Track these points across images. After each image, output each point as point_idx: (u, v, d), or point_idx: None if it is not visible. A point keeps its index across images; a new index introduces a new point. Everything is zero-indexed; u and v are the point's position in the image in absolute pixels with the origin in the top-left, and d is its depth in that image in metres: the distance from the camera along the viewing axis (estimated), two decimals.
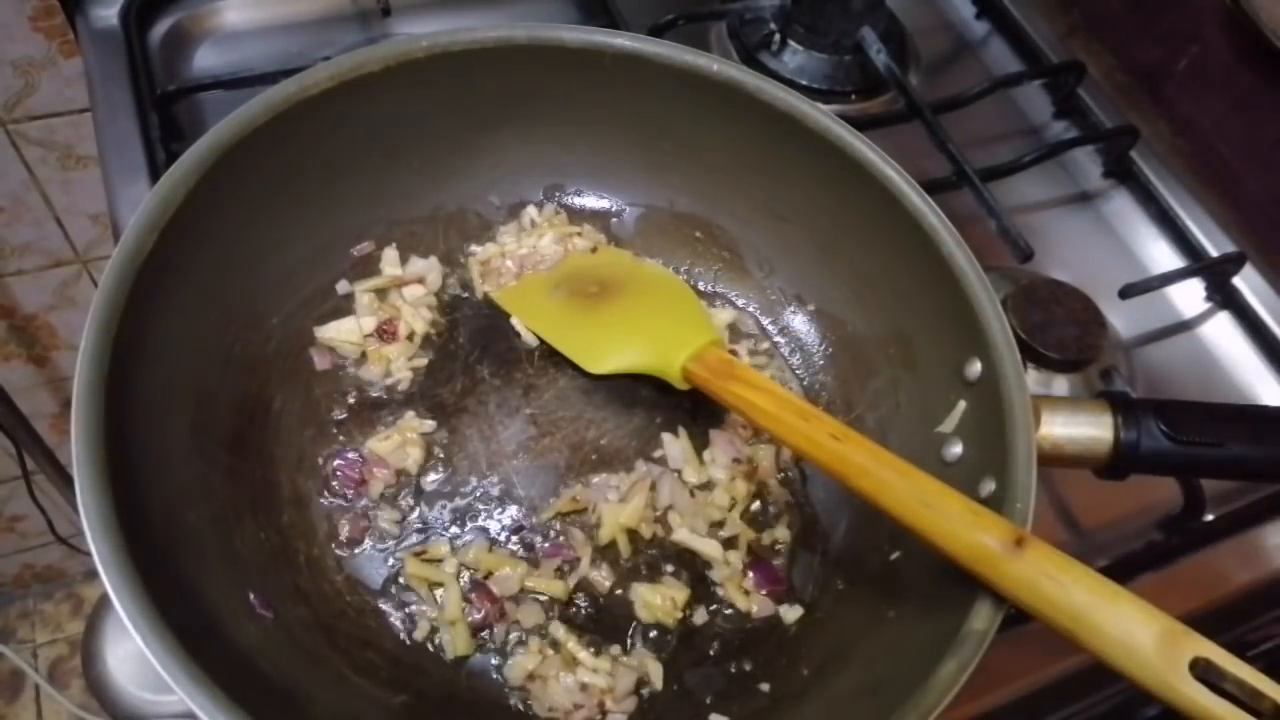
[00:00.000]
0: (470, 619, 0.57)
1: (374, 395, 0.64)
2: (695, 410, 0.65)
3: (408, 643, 0.56)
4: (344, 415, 0.63)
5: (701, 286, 0.71)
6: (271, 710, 0.44)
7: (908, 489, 0.47)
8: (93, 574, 1.69)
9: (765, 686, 0.56)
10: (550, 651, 0.56)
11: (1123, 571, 0.66)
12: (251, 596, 0.51)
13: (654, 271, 0.70)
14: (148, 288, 0.49)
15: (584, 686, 0.55)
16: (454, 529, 0.60)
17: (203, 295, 0.55)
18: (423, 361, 0.65)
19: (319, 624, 0.54)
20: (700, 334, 0.61)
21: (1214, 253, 0.82)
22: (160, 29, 0.83)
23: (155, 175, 0.71)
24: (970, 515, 0.46)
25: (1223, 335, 0.80)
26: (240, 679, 0.44)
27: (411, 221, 0.68)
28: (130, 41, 0.79)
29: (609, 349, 0.63)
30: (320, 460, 0.60)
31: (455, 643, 0.56)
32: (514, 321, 0.67)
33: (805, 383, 0.68)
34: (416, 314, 0.66)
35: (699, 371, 0.59)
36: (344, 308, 0.65)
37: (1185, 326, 0.80)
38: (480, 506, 0.61)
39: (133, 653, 0.61)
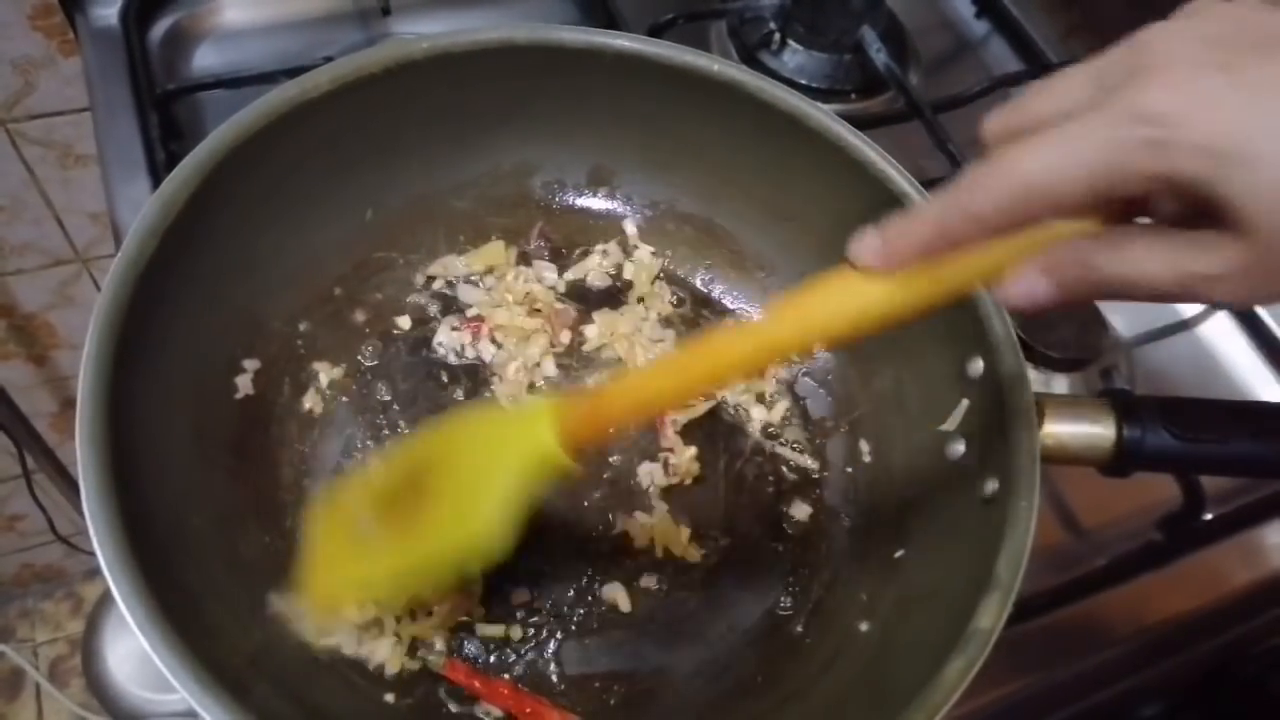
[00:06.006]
0: None
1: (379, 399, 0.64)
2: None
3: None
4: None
5: (702, 287, 0.71)
6: (277, 712, 0.44)
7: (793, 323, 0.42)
8: (93, 573, 1.71)
9: (768, 684, 0.56)
10: None
11: (1122, 571, 0.66)
12: (256, 599, 0.51)
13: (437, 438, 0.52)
14: (150, 292, 0.49)
15: None
16: None
17: (204, 299, 0.55)
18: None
19: None
20: (533, 413, 0.47)
21: None
22: (160, 28, 0.82)
23: (155, 174, 0.71)
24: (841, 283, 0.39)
25: (1222, 334, 0.80)
26: (244, 680, 0.44)
27: (411, 221, 0.67)
28: (130, 40, 0.79)
29: (475, 504, 0.47)
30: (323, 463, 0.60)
31: None
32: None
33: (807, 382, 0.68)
34: None
35: (577, 420, 0.45)
36: (344, 310, 0.65)
37: (1184, 326, 0.80)
38: None
39: (133, 651, 0.62)
